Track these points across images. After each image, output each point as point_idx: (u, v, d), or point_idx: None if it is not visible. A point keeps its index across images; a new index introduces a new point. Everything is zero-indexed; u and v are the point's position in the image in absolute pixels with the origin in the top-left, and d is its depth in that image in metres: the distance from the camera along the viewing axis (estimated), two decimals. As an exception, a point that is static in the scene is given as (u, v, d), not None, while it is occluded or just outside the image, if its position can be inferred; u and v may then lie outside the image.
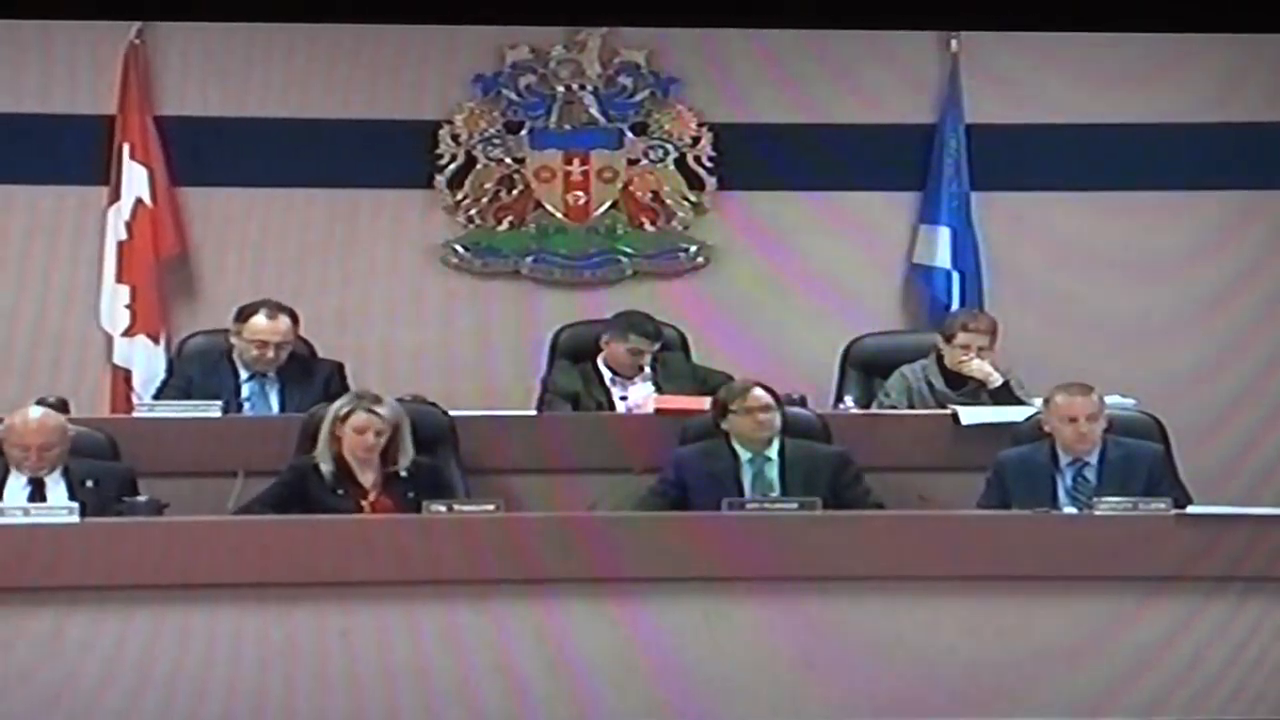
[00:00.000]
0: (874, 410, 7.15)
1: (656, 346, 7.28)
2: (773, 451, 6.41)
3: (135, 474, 6.24)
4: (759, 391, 6.40)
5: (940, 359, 7.19)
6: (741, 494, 6.28)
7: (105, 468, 6.23)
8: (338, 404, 6.37)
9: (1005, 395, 7.03)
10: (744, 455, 6.40)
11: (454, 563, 5.76)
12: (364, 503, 6.25)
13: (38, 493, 6.12)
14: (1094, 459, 6.30)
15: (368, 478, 6.30)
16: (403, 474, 6.32)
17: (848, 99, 8.20)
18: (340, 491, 6.25)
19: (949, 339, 7.18)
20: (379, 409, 6.30)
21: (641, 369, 7.27)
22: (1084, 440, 6.27)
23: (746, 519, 5.91)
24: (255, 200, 8.11)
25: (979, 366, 7.11)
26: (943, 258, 8.15)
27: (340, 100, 8.09)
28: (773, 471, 6.38)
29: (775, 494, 6.29)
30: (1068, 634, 5.78)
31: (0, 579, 5.63)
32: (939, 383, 7.14)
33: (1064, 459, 6.31)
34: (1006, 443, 6.52)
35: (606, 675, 5.73)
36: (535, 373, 7.52)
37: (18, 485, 6.14)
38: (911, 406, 7.10)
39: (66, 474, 6.15)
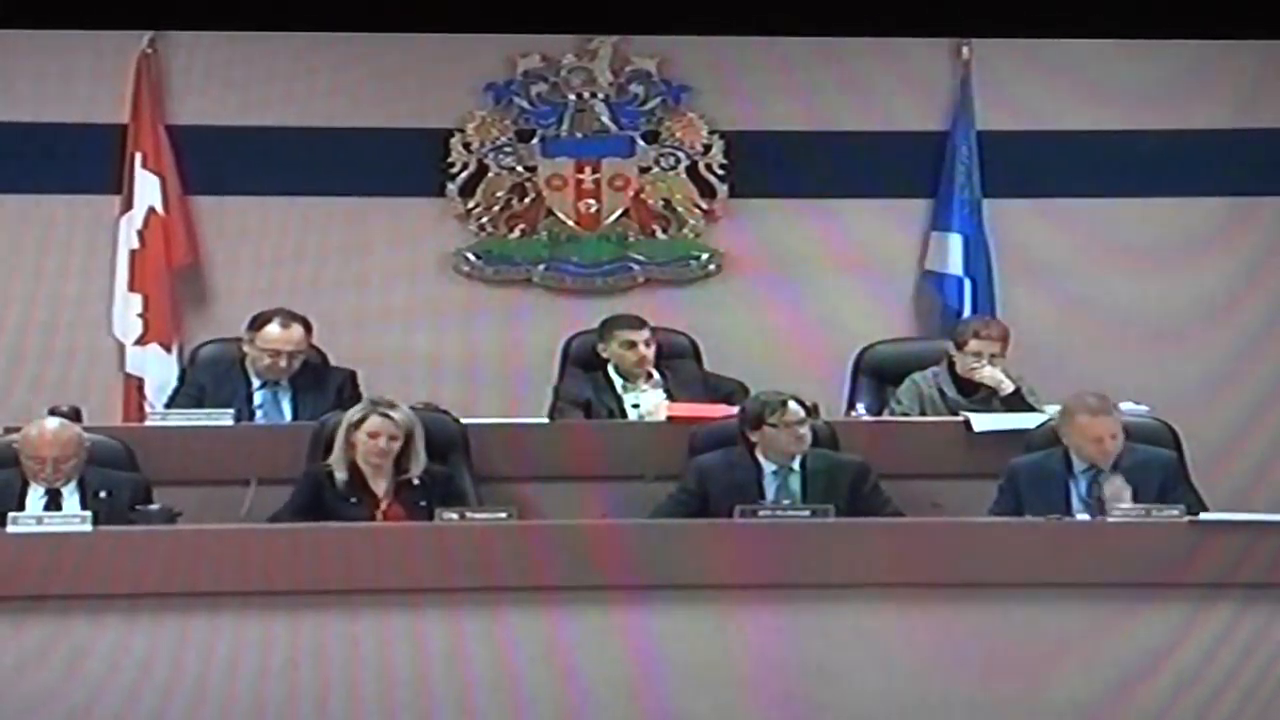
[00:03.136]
0: (886, 418, 7.14)
1: (647, 332, 7.27)
2: (796, 462, 6.39)
3: (150, 483, 6.24)
4: (796, 406, 6.35)
5: (952, 366, 7.18)
6: (764, 504, 6.27)
7: (120, 478, 6.22)
8: (351, 411, 6.38)
9: (1017, 402, 7.01)
10: (768, 467, 6.38)
11: (466, 570, 5.76)
12: (377, 511, 6.25)
13: (53, 503, 6.11)
14: (1108, 466, 6.29)
15: (380, 485, 6.31)
16: (415, 482, 6.32)
17: (858, 106, 8.20)
18: (354, 500, 6.26)
19: (961, 346, 7.17)
20: (392, 414, 6.31)
21: (647, 364, 7.25)
22: (1107, 456, 6.25)
23: (759, 526, 5.90)
24: (267, 209, 8.12)
25: (991, 374, 7.10)
26: (955, 265, 8.15)
27: (352, 109, 8.10)
28: (796, 482, 6.36)
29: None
30: (1081, 641, 5.77)
31: (13, 587, 5.64)
32: (951, 390, 7.13)
33: (1079, 466, 6.29)
34: (1019, 450, 6.51)
35: (619, 683, 5.72)
36: (547, 381, 7.52)
37: (35, 495, 6.13)
38: (923, 414, 7.09)
39: (81, 484, 6.14)
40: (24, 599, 5.64)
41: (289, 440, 6.64)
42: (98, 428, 6.53)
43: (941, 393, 7.13)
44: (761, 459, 6.39)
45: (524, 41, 8.16)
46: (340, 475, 6.29)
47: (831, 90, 8.19)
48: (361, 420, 6.31)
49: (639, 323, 7.32)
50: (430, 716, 5.72)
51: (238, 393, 7.00)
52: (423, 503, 6.20)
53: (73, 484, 6.14)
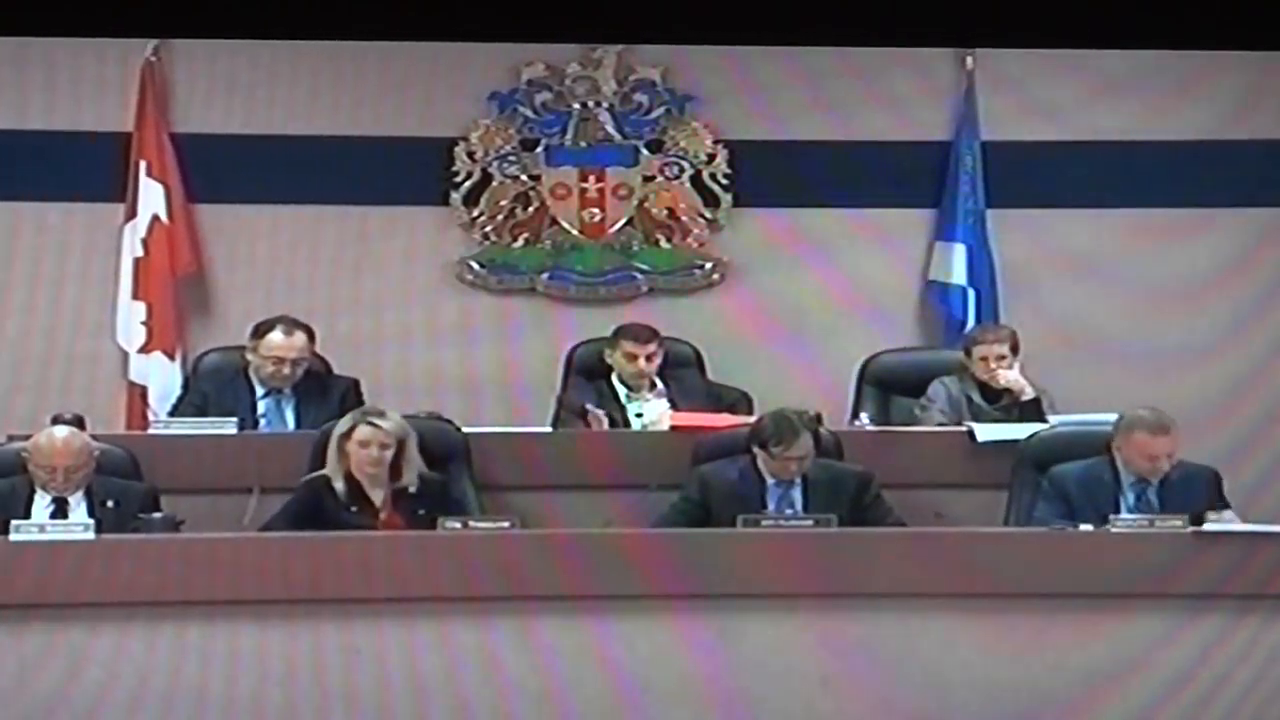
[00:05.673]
0: (890, 427, 7.14)
1: (653, 346, 7.26)
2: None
3: (159, 493, 6.22)
4: (807, 441, 6.30)
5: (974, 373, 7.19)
6: (764, 513, 6.26)
7: (127, 487, 6.21)
8: (341, 421, 6.37)
9: (1032, 411, 6.99)
10: (770, 480, 6.37)
11: (469, 579, 5.76)
12: (377, 520, 6.23)
13: (60, 512, 6.10)
14: (1156, 479, 6.26)
15: (377, 494, 6.29)
16: (411, 490, 6.30)
17: (863, 116, 8.20)
18: (353, 509, 6.25)
19: (969, 356, 7.19)
20: (381, 422, 6.28)
21: (649, 376, 7.25)
22: (1158, 474, 6.24)
23: (762, 536, 5.90)
24: (271, 217, 8.12)
25: (1014, 378, 7.10)
26: (959, 275, 8.15)
27: (356, 117, 8.11)
28: (798, 492, 6.35)
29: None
30: (1083, 652, 5.76)
31: (16, 595, 5.63)
32: (976, 396, 7.13)
33: (1127, 479, 6.27)
34: (1015, 458, 6.51)
35: (619, 693, 5.72)
36: (550, 389, 7.52)
37: (42, 504, 6.13)
38: (955, 415, 7.06)
39: (88, 494, 6.13)
40: (27, 607, 5.63)
41: (292, 449, 6.63)
42: (101, 436, 6.52)
43: (968, 399, 7.13)
44: (764, 472, 6.38)
45: (528, 50, 8.16)
46: (339, 485, 6.28)
47: (836, 100, 8.19)
48: (350, 430, 6.28)
49: (647, 335, 7.30)
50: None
51: (242, 401, 7.00)
52: (420, 511, 6.18)
53: (80, 493, 6.13)
